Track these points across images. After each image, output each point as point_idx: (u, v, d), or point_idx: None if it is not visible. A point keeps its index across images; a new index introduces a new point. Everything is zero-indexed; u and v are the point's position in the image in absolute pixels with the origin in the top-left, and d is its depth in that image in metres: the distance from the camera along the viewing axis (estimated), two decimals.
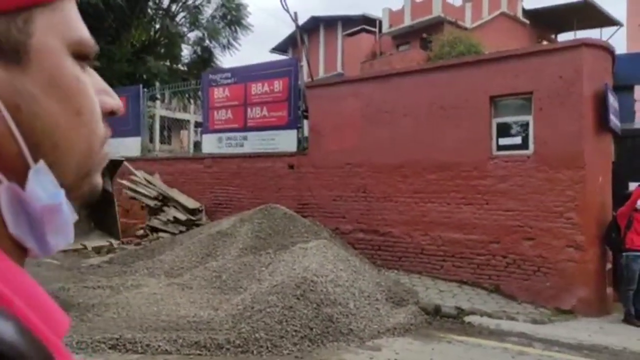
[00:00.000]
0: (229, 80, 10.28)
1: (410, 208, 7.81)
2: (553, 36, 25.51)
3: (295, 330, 4.63)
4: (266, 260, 6.87)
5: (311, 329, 4.73)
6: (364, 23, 24.66)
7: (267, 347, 4.32)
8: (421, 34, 21.70)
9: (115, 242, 5.59)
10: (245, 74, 10.05)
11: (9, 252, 0.32)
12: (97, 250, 10.46)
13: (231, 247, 7.57)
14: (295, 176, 9.08)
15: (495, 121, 7.06)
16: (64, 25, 0.36)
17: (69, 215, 0.36)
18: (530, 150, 6.73)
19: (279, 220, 8.03)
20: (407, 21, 22.62)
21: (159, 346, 4.18)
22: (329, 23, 27.72)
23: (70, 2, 0.36)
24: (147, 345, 4.17)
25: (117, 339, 4.21)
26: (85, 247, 5.29)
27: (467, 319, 5.89)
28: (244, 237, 7.74)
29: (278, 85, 9.47)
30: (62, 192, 0.36)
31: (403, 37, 23.14)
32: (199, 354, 4.16)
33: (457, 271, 7.35)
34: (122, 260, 8.60)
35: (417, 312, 5.96)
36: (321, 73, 26.76)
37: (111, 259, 8.98)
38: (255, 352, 4.25)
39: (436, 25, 20.96)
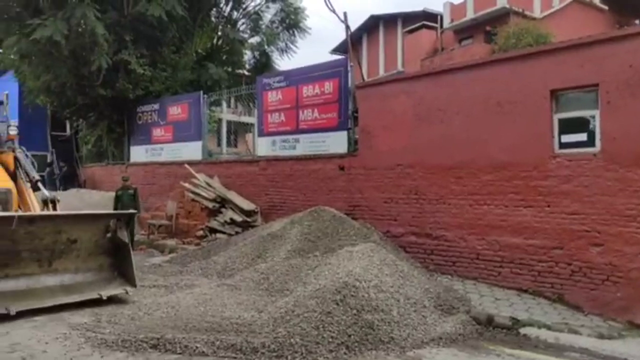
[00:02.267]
0: (281, 84, 10.41)
1: (464, 210, 7.42)
2: (638, 22, 23.24)
3: (332, 337, 4.53)
4: (313, 263, 6.84)
5: (349, 335, 4.61)
6: (425, 19, 23.99)
7: (302, 353, 4.27)
8: (485, 27, 20.69)
9: (130, 290, 5.97)
10: (297, 77, 10.12)
11: None
12: (161, 250, 11.06)
13: (280, 249, 7.64)
14: (346, 178, 8.98)
15: (556, 117, 6.51)
16: None
17: None
18: (597, 148, 6.13)
19: (328, 222, 7.99)
20: (470, 14, 21.67)
21: (197, 347, 4.28)
22: (389, 21, 27.28)
23: None
24: (186, 347, 4.28)
25: (158, 339, 4.37)
26: (101, 297, 5.69)
27: (523, 330, 5.47)
28: (293, 239, 7.78)
29: (328, 86, 9.44)
30: None
31: (465, 31, 22.21)
32: (234, 357, 4.20)
33: (516, 278, 6.87)
34: (180, 260, 9.01)
35: (468, 322, 5.63)
36: (381, 72, 26.41)
37: (172, 258, 9.44)
38: (289, 357, 4.22)
39: (501, 17, 19.88)
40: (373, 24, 27.84)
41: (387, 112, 8.36)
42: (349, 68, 9.34)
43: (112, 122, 15.11)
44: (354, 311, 4.92)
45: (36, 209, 6.35)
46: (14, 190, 6.56)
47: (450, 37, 23.04)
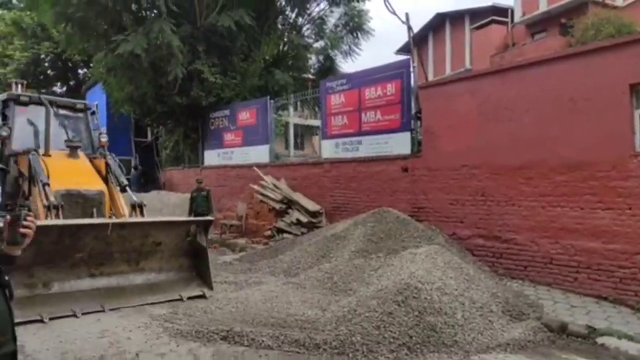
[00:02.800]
0: (344, 87, 10.54)
1: (535, 213, 7.10)
2: None
3: (393, 337, 4.57)
4: (376, 264, 6.89)
5: (410, 337, 4.62)
6: (494, 14, 23.05)
7: (363, 352, 4.34)
8: (560, 19, 19.49)
9: (207, 292, 6.26)
10: (359, 79, 10.20)
11: None
12: (232, 248, 11.60)
13: (344, 250, 7.76)
14: (410, 179, 8.92)
15: (637, 113, 6.06)
16: None
17: None
18: None
19: (391, 224, 7.99)
20: (543, 7, 20.52)
21: (263, 341, 4.50)
22: (455, 18, 26.51)
23: None
24: (253, 340, 4.52)
25: (227, 331, 4.65)
26: (181, 298, 6.05)
27: (601, 340, 5.15)
28: (357, 240, 7.86)
29: (391, 88, 9.43)
30: None
31: (539, 25, 21.04)
32: (297, 352, 4.37)
33: (594, 285, 6.46)
34: (249, 258, 9.41)
35: (539, 328, 5.40)
36: (448, 70, 25.73)
37: (242, 257, 9.88)
38: (350, 355, 4.31)
39: (578, 7, 18.62)
40: (439, 22, 27.20)
41: (451, 112, 8.21)
42: (411, 69, 9.28)
43: (188, 128, 16.07)
44: (416, 313, 4.92)
45: (125, 212, 6.87)
46: (107, 193, 7.10)
47: (521, 32, 21.94)
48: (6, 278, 1.78)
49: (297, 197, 11.11)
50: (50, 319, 5.02)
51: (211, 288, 6.40)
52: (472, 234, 7.94)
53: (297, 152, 26.21)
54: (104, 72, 15.41)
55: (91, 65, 18.89)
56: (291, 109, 23.45)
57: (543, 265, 7.05)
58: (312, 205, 10.75)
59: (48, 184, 6.39)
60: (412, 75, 9.31)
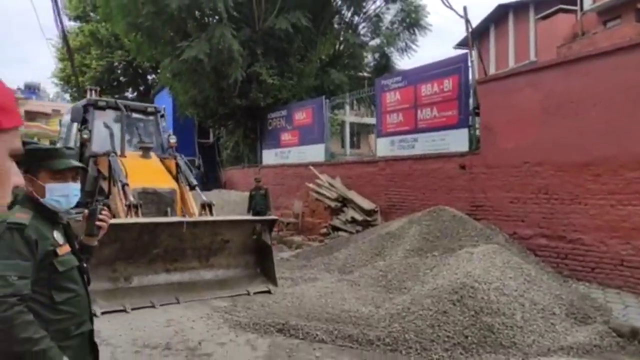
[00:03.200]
0: (399, 84, 10.46)
1: (604, 212, 6.70)
2: None
3: (448, 336, 4.52)
4: (431, 262, 6.81)
5: (466, 336, 4.55)
6: (561, 2, 21.76)
7: (416, 350, 4.34)
8: (636, 4, 18.06)
9: (272, 288, 6.48)
10: (415, 76, 10.08)
11: None
12: (289, 245, 11.89)
13: (398, 248, 7.73)
14: (467, 177, 8.70)
15: None
16: (10, 142, 0.65)
17: None
18: None
19: (448, 222, 7.85)
20: None
21: (317, 335, 4.62)
22: (519, 8, 25.32)
23: (16, 131, 0.66)
24: (307, 333, 4.66)
25: (283, 324, 4.82)
26: (249, 293, 6.29)
27: None
28: (412, 238, 7.81)
29: (448, 83, 9.24)
30: None
31: (611, 11, 19.61)
32: (351, 347, 4.44)
33: None
34: (305, 255, 9.61)
35: (606, 333, 5.11)
36: (511, 63, 24.64)
37: (298, 253, 10.11)
38: (403, 352, 4.33)
39: None
40: (501, 14, 26.11)
41: (511, 107, 7.92)
42: (469, 63, 9.04)
43: (247, 128, 16.61)
44: (472, 312, 4.83)
45: (195, 211, 7.21)
46: (179, 191, 7.45)
47: (592, 20, 20.56)
48: (85, 265, 2.00)
49: (352, 195, 11.17)
50: (132, 309, 5.41)
51: (276, 284, 6.61)
52: (534, 233, 7.63)
53: (353, 150, 26.21)
54: (170, 77, 16.27)
55: (158, 71, 20.02)
56: (347, 108, 23.50)
57: (613, 267, 6.64)
58: (367, 204, 10.78)
59: (127, 184, 6.79)
60: (470, 70, 9.07)
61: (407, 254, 7.36)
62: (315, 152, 13.25)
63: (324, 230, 11.32)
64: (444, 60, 9.52)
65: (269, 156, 15.48)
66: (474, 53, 9.78)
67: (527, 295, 5.38)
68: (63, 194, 1.89)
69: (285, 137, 14.71)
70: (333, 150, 14.78)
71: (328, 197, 11.43)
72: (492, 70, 20.33)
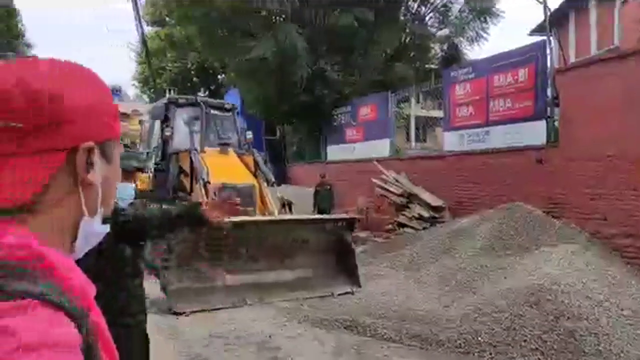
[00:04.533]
0: (469, 75, 10.04)
1: None
2: None
3: (525, 341, 4.29)
4: (504, 262, 6.50)
5: (545, 341, 4.29)
6: None
7: (490, 353, 4.16)
8: None
9: (356, 289, 6.27)
10: (486, 67, 9.62)
11: (66, 250, 0.63)
12: (354, 241, 11.85)
13: (468, 246, 7.44)
14: (545, 172, 8.18)
15: None
16: (118, 148, 0.68)
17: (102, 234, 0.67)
18: None
19: (523, 220, 7.44)
20: None
21: (385, 333, 4.57)
22: None
23: (118, 141, 0.69)
24: (375, 331, 4.62)
25: (350, 321, 4.82)
26: (332, 295, 6.12)
27: None
28: (483, 236, 7.49)
29: (523, 73, 8.71)
30: (106, 225, 0.67)
31: None
32: (420, 347, 4.35)
33: None
34: (372, 252, 9.55)
35: None
36: (593, 50, 22.79)
37: (364, 249, 10.06)
38: (476, 354, 4.17)
39: None
40: None
41: (594, 97, 7.32)
42: (547, 51, 8.47)
43: (312, 125, 16.77)
44: (551, 317, 4.55)
45: (274, 209, 7.19)
46: (257, 187, 7.32)
47: None
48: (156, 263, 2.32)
49: (419, 191, 10.91)
50: (218, 309, 5.41)
51: (359, 285, 6.42)
52: (618, 232, 7.01)
53: (419, 144, 25.60)
54: (238, 77, 16.79)
55: (227, 70, 20.77)
56: (412, 101, 23.00)
57: None
58: (434, 200, 10.48)
59: (209, 182, 6.79)
60: (548, 58, 8.50)
61: (477, 253, 7.07)
62: (380, 147, 13.10)
63: (389, 226, 11.16)
64: (519, 49, 8.99)
65: (334, 152, 15.53)
66: (553, 40, 9.15)
67: (613, 300, 4.98)
68: (124, 192, 2.17)
69: (350, 132, 14.67)
70: (398, 145, 14.54)
71: (393, 193, 11.25)
72: (572, 59, 18.94)
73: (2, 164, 0.55)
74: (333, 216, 9.22)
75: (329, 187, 12.05)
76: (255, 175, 7.58)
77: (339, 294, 6.13)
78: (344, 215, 8.36)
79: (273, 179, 7.63)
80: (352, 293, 6.20)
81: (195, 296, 5.45)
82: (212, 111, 8.89)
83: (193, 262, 5.65)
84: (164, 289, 5.47)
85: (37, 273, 0.52)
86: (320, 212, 11.26)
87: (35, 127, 0.56)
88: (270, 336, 4.55)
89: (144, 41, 16.59)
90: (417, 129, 27.52)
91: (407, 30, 17.11)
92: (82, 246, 0.65)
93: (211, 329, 4.81)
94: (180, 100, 8.88)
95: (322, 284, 6.36)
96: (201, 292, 5.58)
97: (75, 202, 0.62)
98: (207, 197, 6.57)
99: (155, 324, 4.74)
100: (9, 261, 0.51)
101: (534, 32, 24.66)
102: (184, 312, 5.19)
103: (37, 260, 0.53)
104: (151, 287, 6.02)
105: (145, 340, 2.26)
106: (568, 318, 4.53)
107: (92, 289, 0.60)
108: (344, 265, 6.62)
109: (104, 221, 0.67)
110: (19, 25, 13.91)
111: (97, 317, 0.58)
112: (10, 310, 0.47)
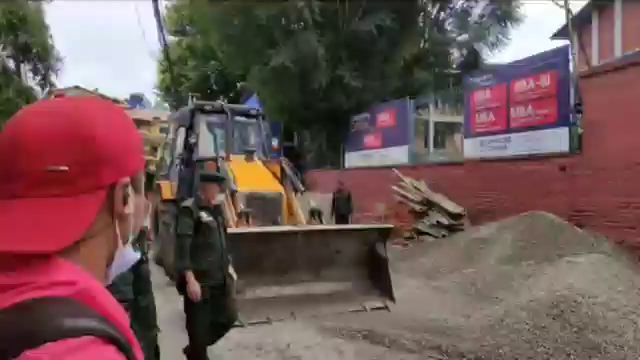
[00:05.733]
0: (489, 82, 9.94)
1: None
2: None
3: (547, 353, 4.20)
4: (526, 272, 6.39)
5: (568, 354, 4.19)
6: None
7: None
8: None
9: (390, 304, 5.96)
10: (507, 73, 9.52)
11: (102, 279, 0.66)
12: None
13: (489, 255, 7.35)
14: (568, 179, 8.02)
15: None
16: (143, 178, 0.71)
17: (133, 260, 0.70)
18: None
19: (545, 229, 7.31)
20: None
21: (404, 344, 4.53)
22: None
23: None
24: (393, 341, 4.58)
25: (369, 331, 4.79)
26: (365, 309, 5.79)
27: None
28: (504, 245, 7.38)
29: (545, 79, 8.59)
30: (138, 252, 0.70)
31: None
32: (440, 359, 4.30)
33: None
34: (390, 260, 9.45)
35: None
36: (617, 53, 22.29)
37: None
38: None
39: None
40: None
41: (619, 103, 7.17)
42: (569, 56, 8.33)
43: (330, 131, 16.81)
44: (575, 329, 4.45)
45: (302, 218, 6.85)
46: (285, 196, 7.05)
47: None
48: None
49: (438, 198, 10.81)
50: (249, 324, 5.11)
51: (393, 300, 6.03)
52: None
53: (437, 150, 25.37)
54: (259, 84, 16.95)
55: (247, 78, 21.01)
56: (431, 107, 22.84)
57: None
58: (453, 207, 10.37)
59: (237, 191, 6.53)
60: (570, 63, 8.36)
61: (498, 262, 6.97)
62: (398, 154, 13.05)
63: (408, 234, 11.08)
64: (540, 55, 8.86)
65: (352, 158, 15.52)
66: (575, 44, 9.00)
67: None
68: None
69: (368, 139, 14.65)
70: (416, 151, 14.45)
71: (412, 200, 11.18)
72: (595, 62, 18.55)
73: (49, 205, 0.58)
74: (367, 225, 8.68)
75: (347, 193, 12.04)
76: (282, 184, 7.34)
77: (373, 309, 5.81)
78: (378, 225, 7.98)
79: (302, 188, 7.34)
80: (387, 309, 5.86)
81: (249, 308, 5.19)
82: (237, 118, 8.74)
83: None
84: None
85: (87, 309, 0.55)
86: (339, 218, 11.23)
87: (81, 170, 0.59)
88: (289, 345, 4.56)
89: (166, 51, 16.90)
90: (436, 134, 27.30)
91: (427, 36, 17.04)
92: (115, 273, 0.69)
93: (229, 335, 4.84)
94: (206, 107, 8.65)
95: (354, 298, 6.00)
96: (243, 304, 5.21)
97: (112, 233, 0.65)
98: (235, 207, 6.38)
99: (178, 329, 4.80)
100: (60, 298, 0.54)
101: (556, 35, 24.26)
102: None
103: (83, 296, 0.56)
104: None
105: (156, 352, 2.38)
106: (592, 330, 4.43)
107: (127, 317, 0.63)
108: (378, 278, 6.24)
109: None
110: (49, 40, 14.41)
111: (135, 345, 0.60)
112: (70, 349, 0.49)
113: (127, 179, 0.64)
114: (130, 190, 0.65)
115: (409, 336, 4.69)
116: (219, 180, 4.38)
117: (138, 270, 2.38)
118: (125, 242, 0.67)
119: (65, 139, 0.59)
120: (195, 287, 3.61)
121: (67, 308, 0.53)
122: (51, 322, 0.50)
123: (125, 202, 0.64)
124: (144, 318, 2.35)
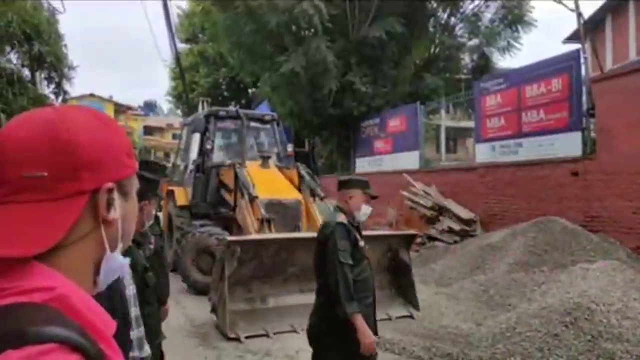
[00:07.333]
0: (500, 86, 9.86)
1: None
2: None
3: None
4: (539, 278, 6.30)
5: None
6: None
7: None
8: None
9: (415, 313, 5.84)
10: (519, 77, 9.43)
11: (90, 285, 0.66)
12: None
13: (501, 262, 7.26)
14: (581, 184, 7.91)
15: None
16: (135, 184, 0.71)
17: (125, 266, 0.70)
18: None
19: (558, 235, 7.20)
20: None
21: (414, 351, 4.49)
22: None
23: (134, 176, 0.72)
24: (403, 348, 4.55)
25: (378, 338, 4.73)
26: (389, 318, 5.64)
27: None
28: (516, 251, 7.29)
29: (556, 83, 8.49)
30: (127, 259, 0.70)
31: None
32: None
33: None
34: None
35: None
36: (632, 56, 22.01)
37: None
38: None
39: None
40: (619, 0, 23.47)
41: (633, 107, 7.06)
42: (582, 60, 8.24)
43: (341, 137, 16.81)
44: (589, 337, 4.36)
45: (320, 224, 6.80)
46: (304, 202, 6.96)
47: None
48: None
49: (449, 203, 10.74)
50: (274, 333, 5.03)
51: (418, 308, 5.91)
52: None
53: (449, 155, 25.23)
54: (269, 91, 17.04)
55: (258, 85, 21.15)
56: (442, 112, 22.74)
57: None
58: (465, 213, 10.29)
59: (257, 197, 6.43)
60: (582, 67, 8.27)
61: (511, 268, 6.88)
62: (409, 159, 12.99)
63: (419, 239, 11.00)
64: (552, 59, 8.78)
65: (363, 164, 15.50)
66: (587, 48, 8.90)
67: None
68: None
69: (378, 144, 14.62)
70: (427, 156, 14.37)
71: (423, 206, 11.11)
72: (608, 66, 18.34)
73: (29, 210, 0.59)
74: (388, 232, 8.60)
75: None
76: (299, 190, 7.26)
77: (397, 317, 5.69)
78: (403, 231, 7.84)
79: (322, 193, 7.16)
80: (412, 317, 5.70)
81: (245, 320, 5.13)
82: (252, 123, 8.65)
83: (244, 282, 5.31)
84: (214, 311, 5.28)
85: (59, 315, 0.55)
86: None
87: (61, 175, 0.60)
88: (297, 352, 4.54)
89: (177, 59, 17.09)
90: (447, 140, 27.15)
91: (437, 41, 17.00)
92: (105, 280, 0.69)
93: (239, 342, 4.84)
94: (221, 113, 8.61)
95: (379, 306, 5.87)
96: (250, 314, 5.25)
97: (97, 239, 0.65)
98: (255, 213, 6.31)
99: (190, 334, 4.81)
100: (32, 305, 0.54)
101: (568, 39, 24.06)
102: (238, 337, 4.88)
103: (59, 302, 0.56)
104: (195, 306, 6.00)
105: (161, 359, 2.42)
106: (607, 339, 4.34)
107: (112, 326, 0.63)
108: (401, 285, 6.14)
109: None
110: (63, 49, 14.68)
111: (116, 355, 0.60)
112: (34, 355, 0.49)
113: (110, 184, 0.64)
114: (116, 195, 0.65)
115: (419, 343, 4.65)
116: (365, 186, 3.23)
117: (143, 279, 2.36)
118: (113, 249, 0.67)
119: (44, 145, 0.59)
120: (371, 337, 2.76)
121: (37, 314, 0.53)
122: (16, 329, 0.50)
123: (109, 207, 0.64)
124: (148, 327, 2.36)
